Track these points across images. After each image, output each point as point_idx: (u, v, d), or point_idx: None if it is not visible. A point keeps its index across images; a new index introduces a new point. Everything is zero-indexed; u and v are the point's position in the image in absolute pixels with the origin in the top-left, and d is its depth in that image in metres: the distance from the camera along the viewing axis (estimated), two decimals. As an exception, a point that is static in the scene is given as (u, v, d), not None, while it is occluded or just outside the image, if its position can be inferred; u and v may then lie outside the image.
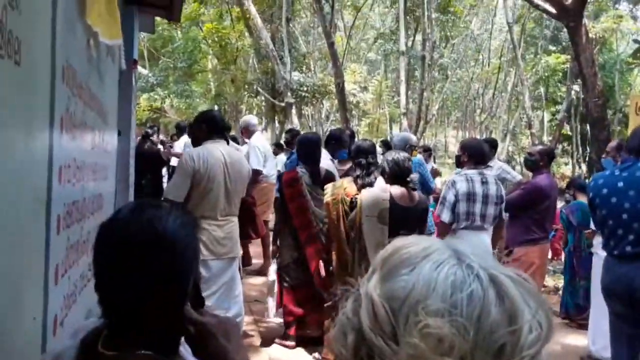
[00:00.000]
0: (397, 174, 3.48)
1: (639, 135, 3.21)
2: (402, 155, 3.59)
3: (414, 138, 6.01)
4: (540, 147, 4.91)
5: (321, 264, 3.96)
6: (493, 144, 5.89)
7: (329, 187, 3.86)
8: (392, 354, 0.54)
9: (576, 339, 5.06)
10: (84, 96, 2.22)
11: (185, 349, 1.14)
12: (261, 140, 6.69)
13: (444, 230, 4.21)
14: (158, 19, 6.16)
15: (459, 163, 4.37)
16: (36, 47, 1.44)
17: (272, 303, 4.44)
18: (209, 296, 3.57)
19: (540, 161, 4.62)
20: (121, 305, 1.03)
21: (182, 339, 1.11)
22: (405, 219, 3.41)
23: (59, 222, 1.71)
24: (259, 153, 6.21)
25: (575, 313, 5.53)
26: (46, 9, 1.55)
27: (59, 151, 1.69)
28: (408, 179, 3.47)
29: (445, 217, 4.10)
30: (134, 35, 4.89)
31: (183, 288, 1.05)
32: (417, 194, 3.57)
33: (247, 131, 6.53)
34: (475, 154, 4.25)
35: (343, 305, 0.63)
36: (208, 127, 3.72)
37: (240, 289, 3.90)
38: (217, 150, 3.60)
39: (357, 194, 3.62)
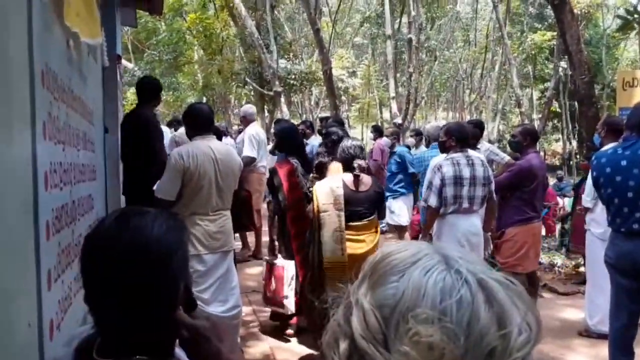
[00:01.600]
0: (346, 161, 3.71)
1: (639, 112, 3.22)
2: (353, 142, 3.78)
3: None
4: (522, 127, 4.90)
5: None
6: (480, 126, 5.88)
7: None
8: None
9: (573, 314, 5.13)
10: (67, 99, 2.18)
11: (180, 352, 1.14)
12: (257, 129, 6.91)
13: (432, 215, 4.24)
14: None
15: (444, 148, 4.38)
16: (12, 51, 1.41)
17: (292, 296, 4.22)
18: (206, 289, 3.60)
19: (523, 142, 4.63)
20: (112, 314, 1.02)
21: (177, 342, 1.11)
22: (359, 203, 3.66)
23: (49, 229, 1.69)
24: (254, 141, 6.47)
25: None
26: (21, 12, 1.52)
27: (44, 157, 1.66)
28: (354, 166, 3.66)
29: (433, 201, 4.14)
30: (116, 30, 4.83)
31: (173, 294, 1.04)
32: (369, 179, 3.77)
33: (245, 120, 6.85)
34: (461, 138, 4.27)
35: (334, 312, 0.63)
36: (192, 123, 3.70)
37: (236, 280, 3.92)
38: (205, 146, 3.58)
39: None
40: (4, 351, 1.26)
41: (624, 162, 3.15)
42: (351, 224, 3.65)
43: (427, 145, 6.84)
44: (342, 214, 3.60)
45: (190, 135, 3.69)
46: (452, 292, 0.56)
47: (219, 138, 4.21)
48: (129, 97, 19.38)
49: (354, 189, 3.68)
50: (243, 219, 4.18)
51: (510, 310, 0.56)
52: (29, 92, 1.57)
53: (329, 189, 3.68)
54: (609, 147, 3.98)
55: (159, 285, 1.01)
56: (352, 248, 3.62)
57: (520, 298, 0.58)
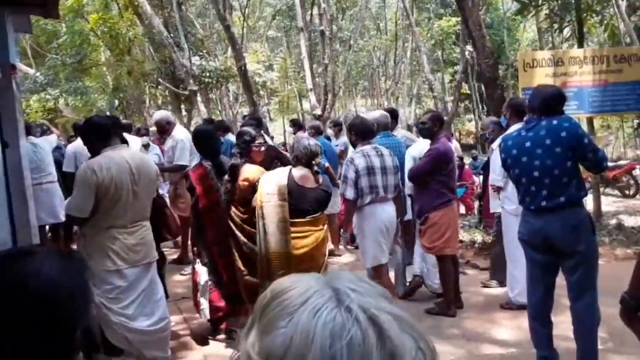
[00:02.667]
0: (305, 158, 3.71)
1: (539, 95, 3.41)
2: (312, 141, 3.83)
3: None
4: (430, 114, 5.05)
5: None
6: (393, 114, 6.02)
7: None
8: None
9: (496, 290, 5.40)
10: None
11: None
12: (186, 133, 6.51)
13: (350, 207, 4.38)
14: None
15: (353, 145, 4.59)
16: None
17: (205, 303, 4.30)
18: (130, 305, 3.47)
19: (434, 127, 4.79)
20: None
21: None
22: (304, 199, 3.66)
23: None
24: (186, 147, 6.01)
25: None
26: None
27: None
28: (313, 162, 3.70)
29: (350, 194, 4.26)
30: (8, 38, 4.48)
31: (67, 340, 0.96)
32: (321, 178, 3.79)
33: (170, 125, 6.34)
34: (361, 131, 4.50)
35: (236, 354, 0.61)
36: (97, 136, 3.51)
37: (161, 292, 3.79)
38: (119, 156, 3.41)
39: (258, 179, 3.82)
40: None
41: (528, 144, 3.32)
42: (296, 220, 3.63)
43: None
44: (286, 204, 3.60)
45: (99, 147, 3.48)
46: (342, 333, 0.54)
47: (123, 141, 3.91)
48: (33, 105, 18.18)
49: (301, 184, 3.67)
50: (160, 229, 4.03)
51: (403, 343, 0.55)
52: None
53: (273, 179, 3.69)
54: (514, 128, 4.22)
55: (50, 330, 0.93)
56: (296, 246, 3.61)
57: (411, 328, 0.58)
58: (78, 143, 5.96)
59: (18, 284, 0.92)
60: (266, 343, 0.56)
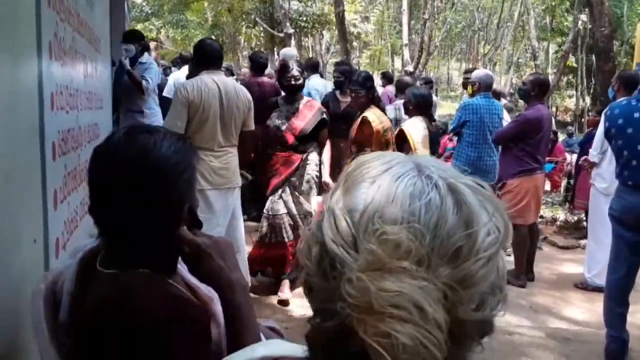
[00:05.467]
0: (422, 106, 4.18)
1: None
2: (425, 90, 4.28)
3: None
4: (533, 76, 4.74)
5: None
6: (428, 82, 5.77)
7: (374, 115, 4.06)
8: (353, 262, 0.56)
9: (572, 268, 5.19)
10: (74, 22, 2.14)
11: (182, 267, 1.17)
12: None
13: None
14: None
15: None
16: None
17: None
18: (204, 224, 3.59)
19: (531, 91, 4.51)
20: (115, 228, 1.05)
21: (180, 258, 1.14)
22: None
23: (54, 149, 1.70)
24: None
25: None
26: None
27: (49, 78, 1.65)
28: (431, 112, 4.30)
29: None
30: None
31: (176, 213, 1.06)
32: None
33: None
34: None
35: (309, 222, 0.65)
36: (201, 58, 3.63)
37: (241, 219, 3.94)
38: (211, 80, 3.52)
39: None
40: (9, 266, 1.30)
41: (637, 114, 3.09)
42: None
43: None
44: (428, 152, 4.01)
45: (198, 70, 3.62)
46: (421, 196, 0.57)
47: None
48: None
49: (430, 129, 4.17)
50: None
51: (479, 212, 0.57)
52: (34, 10, 1.54)
53: (421, 130, 4.09)
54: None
55: (162, 202, 1.03)
56: None
57: (490, 202, 0.59)
58: (178, 74, 6.22)
59: (140, 153, 1.03)
60: (349, 199, 0.60)
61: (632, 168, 3.11)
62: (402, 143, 4.13)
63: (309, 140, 4.06)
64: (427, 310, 0.52)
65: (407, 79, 8.53)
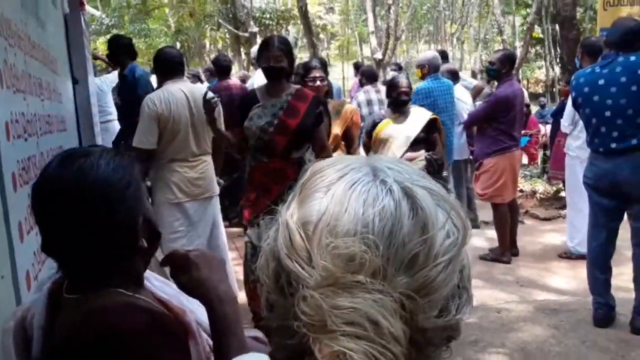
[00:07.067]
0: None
1: (619, 28, 3.17)
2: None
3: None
4: (500, 53, 4.73)
5: None
6: (443, 55, 5.94)
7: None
8: (309, 278, 0.54)
9: (554, 238, 5.27)
10: (24, 46, 2.08)
11: (152, 284, 1.16)
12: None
13: None
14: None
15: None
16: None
17: None
18: (184, 237, 3.53)
19: (502, 69, 4.51)
20: (70, 257, 1.04)
21: (168, 272, 1.14)
22: None
23: (15, 180, 1.65)
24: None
25: None
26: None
27: (2, 107, 1.60)
28: None
29: None
30: (76, -25, 4.58)
31: (129, 229, 1.04)
32: None
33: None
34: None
35: (267, 235, 0.63)
36: (162, 68, 3.57)
37: (222, 228, 3.90)
38: (177, 90, 3.47)
39: None
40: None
41: (601, 81, 3.12)
42: None
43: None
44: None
45: (161, 80, 3.57)
46: (374, 203, 0.55)
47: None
48: (99, 47, 18.74)
49: None
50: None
51: (436, 215, 0.55)
52: (-23, 38, 1.49)
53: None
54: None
55: (111, 221, 1.01)
56: None
57: (447, 202, 0.58)
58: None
59: (78, 178, 1.00)
60: (303, 212, 0.58)
61: (602, 135, 3.14)
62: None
63: (304, 142, 3.17)
64: (382, 325, 0.50)
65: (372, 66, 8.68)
